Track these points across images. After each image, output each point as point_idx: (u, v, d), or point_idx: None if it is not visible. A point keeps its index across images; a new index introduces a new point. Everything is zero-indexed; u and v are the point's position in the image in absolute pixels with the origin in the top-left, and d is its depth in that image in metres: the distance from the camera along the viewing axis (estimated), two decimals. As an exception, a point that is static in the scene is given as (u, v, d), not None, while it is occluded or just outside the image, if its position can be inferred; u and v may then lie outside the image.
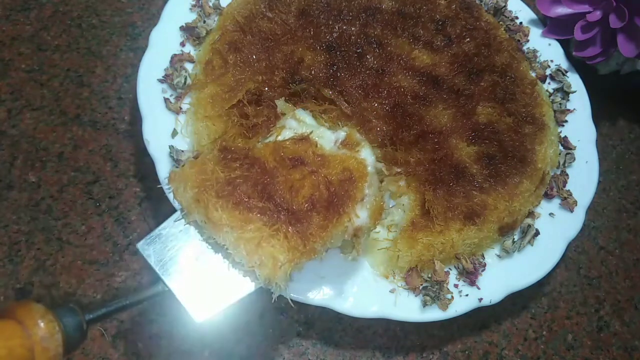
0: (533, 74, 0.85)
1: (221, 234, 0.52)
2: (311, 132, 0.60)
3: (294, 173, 0.55)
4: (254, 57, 0.72)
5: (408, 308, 0.63)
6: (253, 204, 0.52)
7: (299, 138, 0.59)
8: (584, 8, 0.86)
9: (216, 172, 0.54)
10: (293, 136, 0.60)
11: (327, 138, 0.60)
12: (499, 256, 0.69)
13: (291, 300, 0.62)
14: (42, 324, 0.44)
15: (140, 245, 0.54)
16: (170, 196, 0.61)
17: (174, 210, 0.58)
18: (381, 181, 0.69)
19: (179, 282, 0.53)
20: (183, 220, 0.56)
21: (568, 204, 0.74)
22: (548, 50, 0.88)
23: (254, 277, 0.53)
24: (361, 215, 0.55)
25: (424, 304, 0.63)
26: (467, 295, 0.65)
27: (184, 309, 0.52)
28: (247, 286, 0.54)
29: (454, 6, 0.85)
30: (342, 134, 0.60)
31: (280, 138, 0.61)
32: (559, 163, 0.78)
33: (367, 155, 0.59)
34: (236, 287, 0.54)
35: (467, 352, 0.71)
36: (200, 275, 0.54)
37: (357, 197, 0.55)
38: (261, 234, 0.51)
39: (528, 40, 0.89)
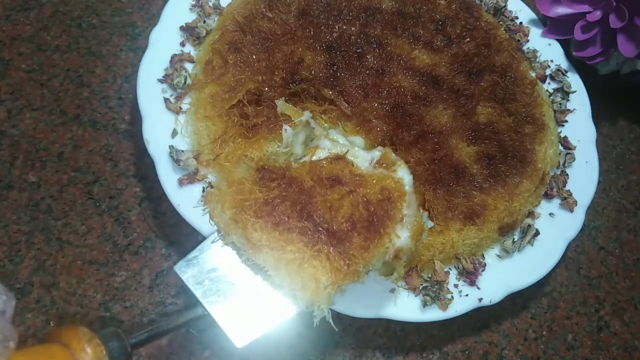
0: (533, 74, 0.85)
1: (261, 255, 0.51)
2: (347, 152, 0.59)
3: (332, 193, 0.54)
4: (254, 57, 0.72)
5: (408, 308, 0.63)
6: (293, 224, 0.52)
7: (335, 157, 0.58)
8: (584, 8, 0.86)
9: (254, 192, 0.53)
10: (328, 156, 0.59)
11: (362, 158, 0.60)
12: (499, 256, 0.69)
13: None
14: (89, 349, 0.45)
15: (177, 267, 0.54)
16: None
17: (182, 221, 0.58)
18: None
19: (218, 306, 0.52)
20: (220, 242, 0.55)
21: (568, 204, 0.74)
22: (548, 50, 0.88)
23: (295, 300, 0.52)
24: (402, 235, 0.54)
25: (424, 304, 0.63)
26: (467, 295, 0.65)
27: (224, 334, 0.52)
28: (287, 309, 0.53)
29: (454, 6, 0.85)
30: (377, 153, 0.59)
31: (314, 158, 0.60)
32: (559, 163, 0.78)
33: (404, 174, 0.58)
34: (276, 311, 0.53)
35: (467, 352, 0.71)
36: (240, 299, 0.53)
37: (397, 216, 0.54)
38: (302, 255, 0.50)
39: (528, 40, 0.89)
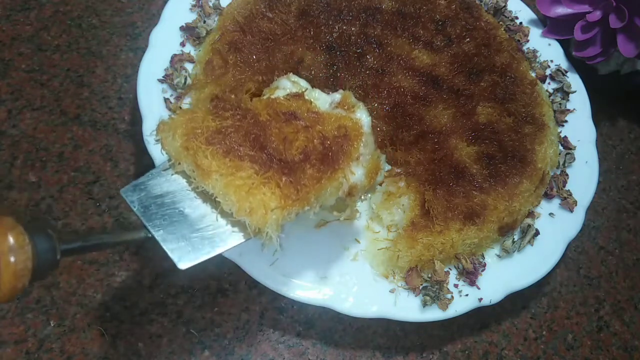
0: (533, 74, 0.85)
1: (210, 182, 0.50)
2: (305, 90, 0.59)
3: (288, 127, 0.53)
4: (254, 57, 0.72)
5: (408, 308, 0.63)
6: (244, 152, 0.51)
7: (293, 95, 0.58)
8: (584, 8, 0.86)
9: (207, 121, 0.52)
10: (287, 94, 0.59)
11: (323, 100, 0.59)
12: (499, 256, 0.69)
13: (292, 299, 0.62)
14: (10, 236, 0.41)
15: (123, 191, 0.51)
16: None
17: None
18: (380, 183, 0.69)
19: (162, 230, 0.50)
20: (170, 170, 0.53)
21: (568, 204, 0.74)
22: (548, 50, 0.88)
23: (243, 227, 0.51)
24: (357, 172, 0.54)
25: (424, 304, 0.63)
26: (467, 295, 0.65)
27: (168, 257, 0.50)
28: (235, 237, 0.52)
29: (454, 6, 0.85)
30: (337, 96, 0.59)
31: (273, 97, 0.59)
32: (559, 163, 0.78)
33: (362, 115, 0.57)
34: (224, 238, 0.51)
35: (467, 352, 0.71)
36: (186, 225, 0.51)
37: (353, 154, 0.54)
38: (252, 181, 0.49)
39: (528, 40, 0.89)
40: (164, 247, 0.49)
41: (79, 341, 0.63)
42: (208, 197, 0.52)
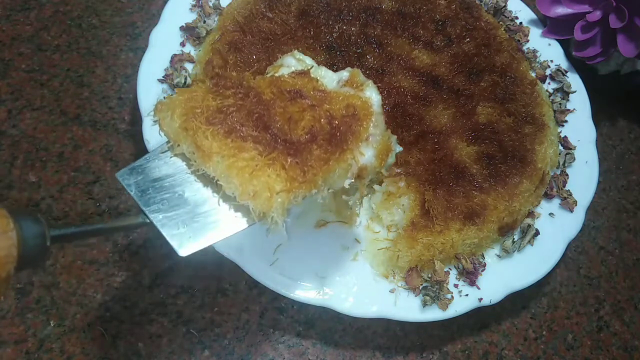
0: (533, 74, 0.85)
1: (211, 164, 0.47)
2: (311, 68, 0.55)
3: (293, 106, 0.50)
4: (254, 57, 0.72)
5: (408, 308, 0.63)
6: (247, 133, 0.47)
7: (299, 72, 0.54)
8: (584, 8, 0.86)
9: (207, 100, 0.49)
10: (292, 72, 0.55)
11: (329, 78, 0.56)
12: (499, 256, 0.69)
13: (292, 299, 0.62)
14: None
15: (120, 174, 0.48)
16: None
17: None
18: (380, 183, 0.69)
19: (161, 214, 0.47)
20: (169, 153, 0.50)
21: (568, 204, 0.74)
22: (548, 50, 0.89)
23: (247, 212, 0.47)
24: (366, 153, 0.51)
25: (424, 304, 0.63)
26: (467, 295, 0.65)
27: (168, 253, 0.48)
28: (238, 223, 0.49)
29: (454, 6, 0.85)
30: (345, 74, 0.55)
31: (277, 75, 0.56)
32: (559, 163, 0.78)
33: (372, 94, 0.54)
34: (226, 224, 0.48)
35: (467, 352, 0.71)
36: (186, 210, 0.48)
37: (362, 134, 0.50)
38: (256, 163, 0.46)
39: (528, 40, 0.89)
40: (163, 232, 0.47)
41: (79, 341, 0.63)
42: (209, 181, 0.49)
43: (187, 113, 0.48)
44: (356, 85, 0.54)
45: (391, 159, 0.53)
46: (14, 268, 0.39)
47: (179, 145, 0.49)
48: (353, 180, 0.51)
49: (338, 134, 0.49)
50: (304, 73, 0.54)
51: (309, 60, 0.58)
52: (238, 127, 0.48)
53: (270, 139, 0.47)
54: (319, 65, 0.58)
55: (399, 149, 0.55)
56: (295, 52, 0.59)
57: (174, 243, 0.46)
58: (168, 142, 0.50)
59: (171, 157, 0.50)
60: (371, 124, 0.51)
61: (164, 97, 0.56)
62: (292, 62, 0.58)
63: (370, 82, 0.55)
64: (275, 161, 0.47)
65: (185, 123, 0.48)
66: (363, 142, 0.51)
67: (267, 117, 0.49)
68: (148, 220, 0.47)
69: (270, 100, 0.50)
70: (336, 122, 0.50)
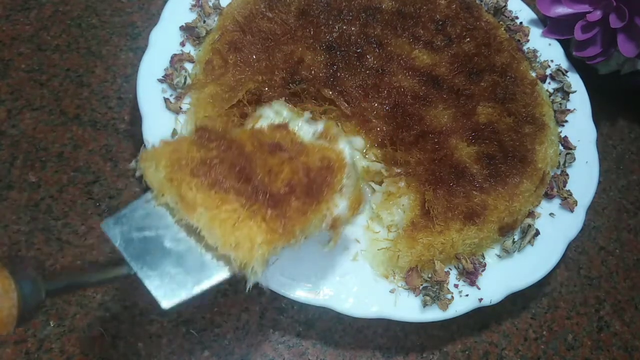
0: (533, 74, 0.85)
1: (195, 215, 0.48)
2: (288, 122, 0.59)
3: (273, 158, 0.53)
4: (254, 57, 0.72)
5: (408, 308, 0.63)
6: (230, 185, 0.49)
7: (277, 125, 0.58)
8: (584, 8, 0.86)
9: (192, 151, 0.51)
10: (270, 124, 0.59)
11: (305, 130, 0.60)
12: (499, 256, 0.69)
13: (292, 299, 0.62)
14: None
15: (104, 224, 0.50)
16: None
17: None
18: (380, 183, 0.69)
19: (145, 266, 0.49)
20: (153, 202, 0.51)
21: (568, 204, 0.74)
22: (548, 50, 0.88)
23: (228, 262, 0.49)
24: (340, 205, 0.54)
25: (424, 304, 0.63)
26: (467, 295, 0.65)
27: (151, 295, 0.49)
28: (220, 273, 0.50)
29: (454, 6, 0.85)
30: (320, 126, 0.59)
31: (257, 126, 0.59)
32: (559, 163, 0.78)
33: (345, 147, 0.58)
34: (208, 274, 0.50)
35: (467, 352, 0.71)
36: (170, 261, 0.50)
37: (336, 186, 0.54)
38: (238, 215, 0.48)
39: (528, 40, 0.89)
40: (147, 285, 0.48)
41: (79, 341, 0.63)
42: (192, 230, 0.50)
43: (172, 164, 0.50)
44: (330, 137, 0.58)
45: (362, 209, 0.57)
46: (14, 327, 0.42)
47: (163, 195, 0.50)
48: (327, 230, 0.54)
49: (314, 186, 0.52)
50: (283, 126, 0.58)
51: (286, 113, 0.63)
52: (221, 179, 0.49)
53: (252, 191, 0.50)
54: (301, 112, 0.63)
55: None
56: (274, 103, 0.63)
57: (157, 295, 0.48)
58: (151, 191, 0.52)
59: (155, 207, 0.51)
60: (344, 176, 0.54)
61: (145, 147, 0.60)
62: (271, 114, 0.62)
63: (342, 134, 0.59)
64: (257, 213, 0.49)
65: (171, 174, 0.49)
66: (337, 194, 0.54)
67: (249, 169, 0.51)
68: (133, 272, 0.49)
69: (252, 153, 0.53)
70: (312, 174, 0.53)
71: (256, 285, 0.65)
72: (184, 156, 0.50)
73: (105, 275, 0.51)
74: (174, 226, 0.51)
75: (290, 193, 0.51)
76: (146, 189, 0.52)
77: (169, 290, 0.48)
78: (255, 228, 0.48)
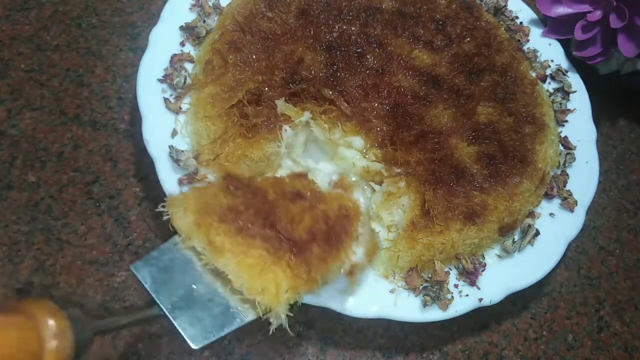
0: (533, 74, 0.85)
1: (222, 260, 0.51)
2: (308, 172, 0.62)
3: (294, 206, 0.55)
4: (254, 57, 0.72)
5: (408, 308, 0.63)
6: (256, 231, 0.52)
7: (297, 174, 0.61)
8: (584, 8, 0.86)
9: (219, 198, 0.53)
10: (290, 172, 0.61)
11: (322, 179, 0.63)
12: (499, 256, 0.69)
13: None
14: (53, 322, 0.43)
15: (135, 266, 0.53)
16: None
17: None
18: (380, 183, 0.69)
19: (174, 307, 0.51)
20: (180, 246, 0.54)
21: (568, 204, 0.74)
22: (548, 50, 0.88)
23: (253, 305, 0.51)
24: (357, 252, 0.56)
25: (424, 304, 0.63)
26: (467, 295, 0.65)
27: (181, 335, 0.51)
28: (245, 315, 0.53)
29: (454, 6, 0.85)
30: (335, 176, 0.63)
31: (277, 175, 0.62)
32: (559, 163, 0.78)
33: (359, 196, 0.61)
34: (234, 316, 0.53)
35: (467, 352, 0.71)
36: (197, 303, 0.52)
37: (353, 234, 0.56)
38: (264, 261, 0.50)
39: (528, 40, 0.89)
40: (177, 326, 0.50)
41: (79, 341, 0.63)
42: (218, 274, 0.52)
43: (200, 210, 0.52)
44: (345, 187, 0.62)
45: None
46: None
47: (190, 239, 0.52)
48: (345, 276, 0.56)
49: (333, 234, 0.55)
50: (302, 175, 0.61)
51: (303, 162, 0.67)
52: (248, 226, 0.52)
53: (276, 237, 0.52)
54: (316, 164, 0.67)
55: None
56: (294, 155, 0.68)
57: (186, 336, 0.50)
58: (179, 235, 0.54)
59: (182, 250, 0.54)
60: (360, 224, 0.57)
61: (178, 193, 0.61)
62: (289, 164, 0.66)
63: (356, 184, 0.62)
64: (281, 259, 0.51)
65: (199, 219, 0.51)
66: (354, 241, 0.56)
67: (273, 216, 0.53)
68: (163, 313, 0.51)
69: (274, 200, 0.55)
70: (331, 222, 0.56)
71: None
72: (211, 202, 0.52)
73: (137, 316, 0.53)
74: (200, 269, 0.53)
75: (311, 240, 0.53)
76: (173, 232, 0.54)
77: (198, 332, 0.51)
78: (281, 274, 0.50)
